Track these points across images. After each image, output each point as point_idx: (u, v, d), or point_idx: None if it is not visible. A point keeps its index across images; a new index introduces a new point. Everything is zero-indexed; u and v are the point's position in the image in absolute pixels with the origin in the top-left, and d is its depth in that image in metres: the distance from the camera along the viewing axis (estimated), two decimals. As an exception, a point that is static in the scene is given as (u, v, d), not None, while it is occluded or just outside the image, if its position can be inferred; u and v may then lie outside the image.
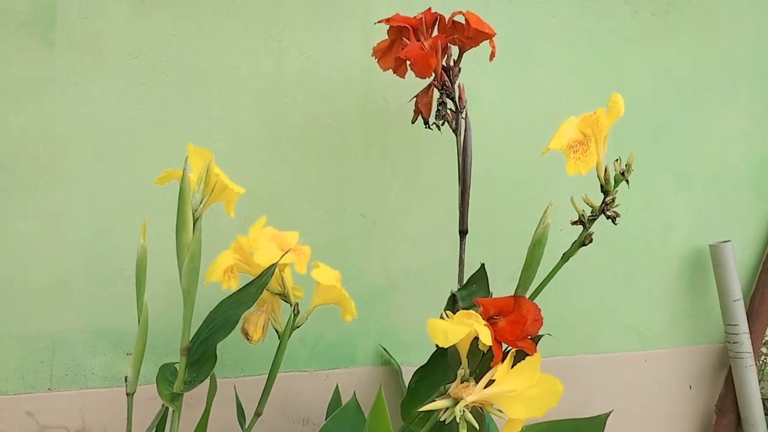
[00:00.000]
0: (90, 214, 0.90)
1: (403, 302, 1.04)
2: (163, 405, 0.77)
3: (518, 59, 1.06)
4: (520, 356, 0.70)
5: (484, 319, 0.71)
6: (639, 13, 1.12)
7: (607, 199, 0.76)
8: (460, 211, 0.87)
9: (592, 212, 0.77)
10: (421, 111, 0.88)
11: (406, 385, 0.91)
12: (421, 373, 0.86)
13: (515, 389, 0.67)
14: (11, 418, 0.90)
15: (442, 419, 0.67)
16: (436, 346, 0.79)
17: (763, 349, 1.21)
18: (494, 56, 0.86)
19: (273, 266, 0.73)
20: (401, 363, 1.02)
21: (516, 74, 1.05)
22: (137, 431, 0.81)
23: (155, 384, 0.75)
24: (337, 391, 0.96)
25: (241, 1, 0.94)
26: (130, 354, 0.92)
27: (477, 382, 0.69)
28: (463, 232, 0.87)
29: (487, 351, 0.71)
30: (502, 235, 1.07)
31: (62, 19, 0.88)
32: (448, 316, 0.71)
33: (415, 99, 0.88)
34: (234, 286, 0.77)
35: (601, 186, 0.76)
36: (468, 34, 0.84)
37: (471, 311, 0.71)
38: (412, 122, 0.89)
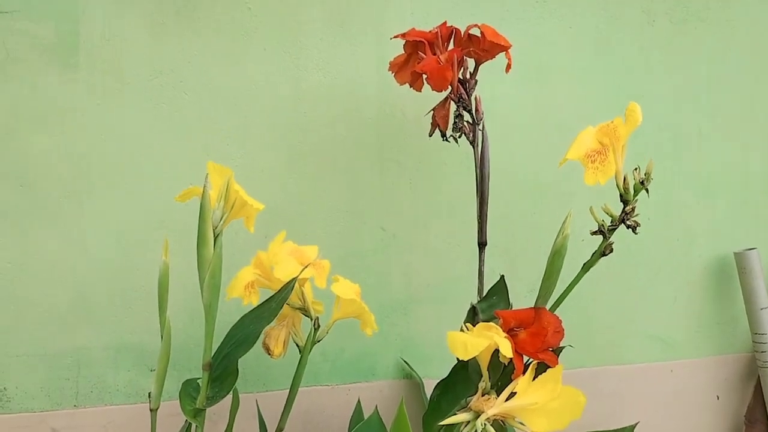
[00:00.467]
0: (112, 233, 0.92)
1: (423, 315, 1.04)
2: (186, 420, 0.78)
3: (535, 70, 1.06)
4: (541, 368, 0.70)
5: (504, 331, 0.71)
6: (656, 21, 1.11)
7: (627, 208, 0.75)
8: (478, 222, 0.87)
9: (612, 222, 0.76)
10: (438, 124, 0.88)
11: (428, 399, 0.91)
12: (443, 386, 0.85)
13: (537, 402, 0.66)
14: (38, 435, 0.91)
15: (463, 432, 0.67)
16: (457, 358, 0.79)
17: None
18: (510, 68, 0.86)
19: (293, 281, 0.73)
20: (423, 376, 1.02)
21: (533, 85, 1.05)
22: (163, 447, 0.82)
23: (178, 400, 0.76)
24: (358, 405, 0.96)
25: (258, 21, 0.95)
26: (154, 370, 0.93)
27: (498, 395, 0.69)
28: (482, 244, 0.87)
29: (508, 363, 0.71)
30: (522, 246, 1.06)
31: (85, 43, 0.90)
32: (468, 329, 0.71)
33: (432, 112, 0.88)
34: (255, 301, 0.78)
35: (621, 195, 0.76)
36: (483, 46, 0.85)
37: (491, 323, 0.71)
38: (430, 135, 0.89)
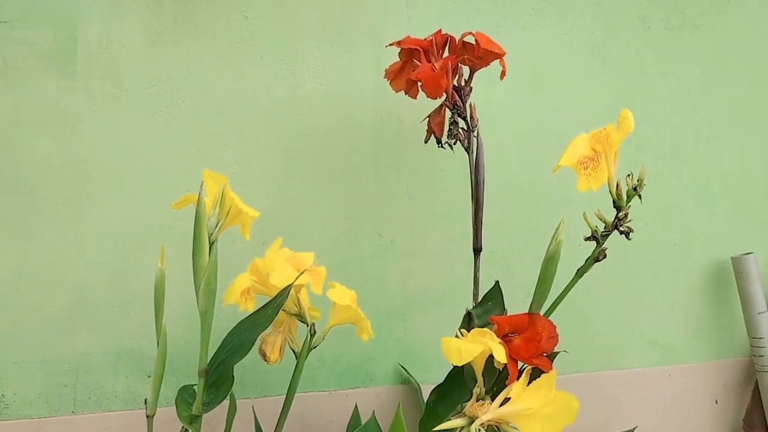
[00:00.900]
0: (111, 239, 0.92)
1: (421, 320, 1.04)
2: (183, 427, 0.78)
3: (530, 77, 1.06)
4: (535, 374, 0.70)
5: (498, 336, 0.71)
6: (652, 27, 1.12)
7: (620, 214, 0.76)
8: (473, 228, 0.87)
9: (605, 228, 0.77)
10: (433, 130, 0.88)
11: (425, 404, 0.91)
12: (439, 391, 0.86)
13: (531, 407, 0.67)
14: (36, 442, 0.92)
15: (458, 438, 0.67)
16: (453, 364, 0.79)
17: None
18: (505, 75, 0.87)
19: (288, 287, 0.74)
20: (421, 381, 1.02)
21: (528, 92, 1.06)
22: (160, 453, 0.82)
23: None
24: (356, 410, 0.96)
25: (255, 28, 0.96)
26: (152, 376, 0.93)
27: (493, 401, 0.69)
28: (477, 250, 0.88)
29: (503, 369, 0.71)
30: (518, 252, 1.07)
31: (82, 50, 0.90)
32: (462, 335, 0.72)
33: (427, 119, 0.89)
34: (251, 307, 0.78)
35: (614, 201, 0.76)
36: (478, 54, 0.85)
37: (485, 329, 0.71)
38: (425, 142, 0.90)
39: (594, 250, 0.78)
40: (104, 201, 0.92)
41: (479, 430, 0.67)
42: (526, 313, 0.75)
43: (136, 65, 0.92)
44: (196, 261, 0.71)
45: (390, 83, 0.88)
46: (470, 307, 0.86)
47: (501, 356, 0.68)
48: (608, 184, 0.75)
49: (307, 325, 0.81)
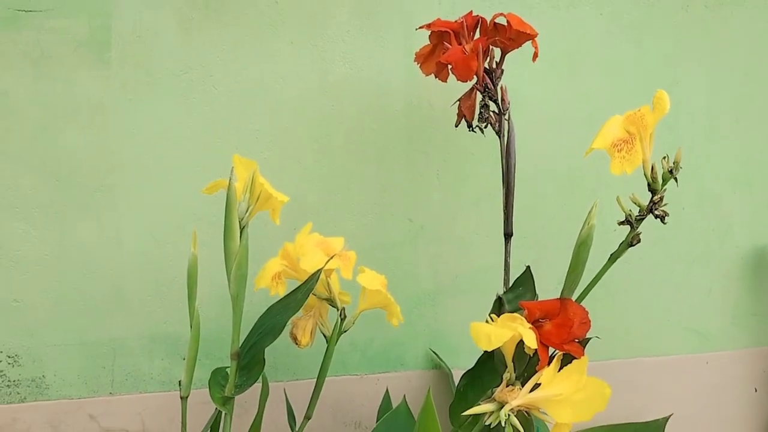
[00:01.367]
0: (145, 225, 0.94)
1: (452, 306, 1.04)
2: (216, 408, 0.80)
3: (564, 59, 1.04)
4: (567, 360, 0.69)
5: (529, 322, 0.70)
6: (691, 6, 1.09)
7: (655, 198, 0.74)
8: (504, 213, 0.87)
9: (639, 212, 0.75)
10: (464, 114, 0.88)
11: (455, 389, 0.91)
12: (469, 376, 0.86)
13: (561, 393, 0.66)
14: (75, 422, 0.94)
15: (487, 423, 0.67)
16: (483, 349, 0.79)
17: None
18: (537, 57, 0.85)
19: (318, 272, 0.74)
20: (452, 366, 1.02)
21: (561, 74, 1.04)
22: (194, 433, 0.83)
23: (208, 388, 0.78)
24: (387, 394, 0.96)
25: (286, 14, 0.96)
26: (186, 359, 0.95)
27: (523, 386, 0.69)
28: (508, 235, 0.87)
29: (534, 354, 0.71)
30: (551, 237, 1.05)
31: (116, 39, 0.91)
32: (492, 320, 0.71)
33: (458, 102, 0.88)
34: (282, 291, 0.79)
35: (648, 185, 0.74)
36: (509, 35, 0.84)
37: (515, 314, 0.70)
38: (456, 126, 0.89)
39: (628, 235, 0.76)
40: (138, 187, 0.93)
41: (509, 415, 0.66)
42: (557, 299, 0.74)
43: (169, 53, 0.93)
44: (227, 246, 0.72)
45: (420, 66, 0.87)
46: (501, 292, 0.86)
47: (531, 341, 0.67)
48: (643, 167, 0.74)
49: (338, 310, 0.81)
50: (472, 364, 0.89)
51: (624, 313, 1.10)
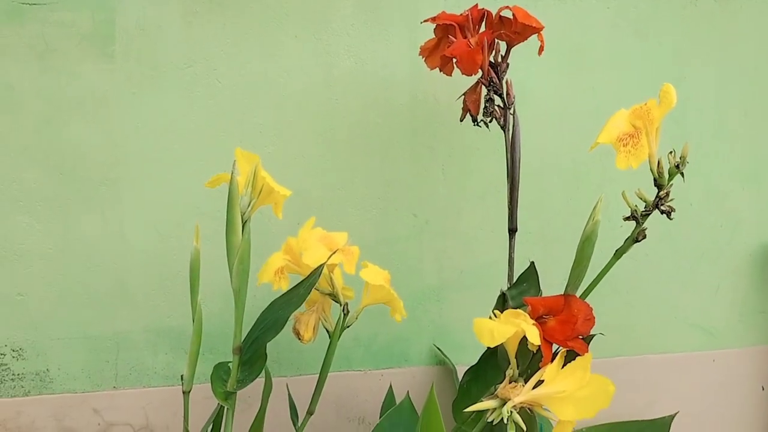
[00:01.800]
0: (149, 219, 0.94)
1: (457, 301, 1.03)
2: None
3: (570, 53, 1.03)
4: (571, 356, 0.69)
5: (532, 318, 0.70)
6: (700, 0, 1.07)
7: (661, 193, 0.73)
8: (509, 208, 0.86)
9: (645, 207, 0.74)
10: (469, 108, 0.87)
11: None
12: (472, 372, 0.85)
13: (565, 390, 0.65)
14: (79, 416, 0.94)
15: (489, 420, 0.67)
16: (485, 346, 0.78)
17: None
18: (543, 50, 0.85)
19: (321, 267, 0.74)
20: (456, 363, 1.02)
21: (567, 68, 1.03)
22: (199, 428, 0.83)
23: (210, 383, 0.78)
24: (391, 390, 0.96)
25: (290, 7, 0.95)
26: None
27: (527, 383, 0.68)
28: (512, 230, 0.86)
29: (537, 351, 0.70)
30: (557, 233, 1.05)
31: (120, 32, 0.91)
32: (496, 316, 0.71)
33: (463, 96, 0.87)
34: (285, 286, 0.79)
35: (655, 180, 0.74)
36: (515, 29, 0.83)
37: (519, 310, 0.70)
38: (461, 120, 0.88)
39: (633, 231, 0.76)
40: (142, 181, 0.93)
41: (511, 411, 0.66)
42: (561, 295, 0.73)
43: (173, 46, 0.93)
44: (229, 240, 0.71)
45: (425, 60, 0.87)
46: (505, 288, 0.85)
47: (534, 338, 0.67)
48: (649, 161, 0.73)
49: (341, 305, 0.81)
50: (477, 360, 0.88)
51: (629, 310, 1.10)
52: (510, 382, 0.68)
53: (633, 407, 1.08)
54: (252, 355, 0.75)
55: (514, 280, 0.86)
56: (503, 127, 0.86)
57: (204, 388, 0.89)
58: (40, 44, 0.89)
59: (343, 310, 0.81)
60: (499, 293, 0.85)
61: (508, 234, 0.88)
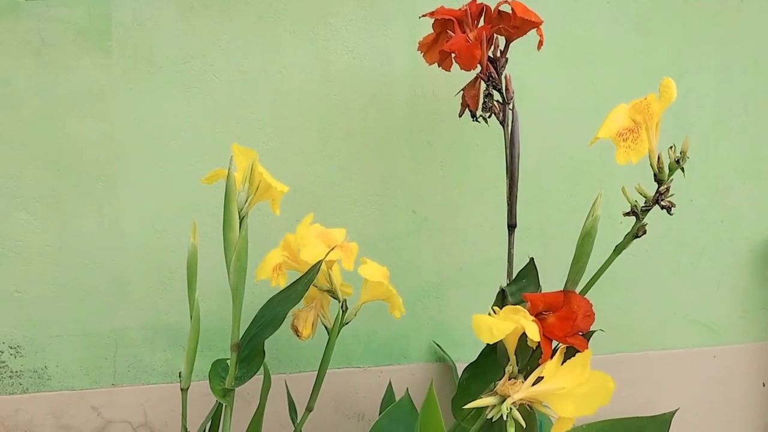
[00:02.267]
0: (146, 215, 0.93)
1: (456, 298, 1.03)
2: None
3: (569, 47, 1.03)
4: (570, 353, 0.68)
5: (532, 314, 0.69)
6: (700, -6, 1.07)
7: (661, 188, 0.73)
8: (508, 204, 0.85)
9: (645, 203, 0.74)
10: (468, 104, 0.86)
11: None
12: (472, 369, 0.85)
13: (564, 386, 0.65)
14: (77, 413, 0.94)
15: (489, 416, 0.66)
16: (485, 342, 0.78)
17: None
18: (542, 45, 0.84)
19: (319, 263, 0.73)
20: (455, 359, 1.01)
21: (567, 63, 1.03)
22: (198, 426, 0.83)
23: (209, 380, 0.77)
24: (390, 387, 0.96)
25: (288, 2, 0.95)
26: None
27: (526, 379, 0.68)
28: (511, 226, 0.86)
29: (537, 347, 0.70)
30: (555, 229, 1.04)
31: (117, 27, 0.91)
32: (495, 312, 0.70)
33: (462, 92, 0.87)
34: (283, 283, 0.78)
35: (655, 175, 0.73)
36: (514, 23, 0.83)
37: (518, 306, 0.69)
38: (460, 115, 0.88)
39: (633, 226, 0.75)
40: (139, 177, 0.93)
41: (510, 408, 0.65)
42: (561, 291, 0.73)
43: (170, 42, 0.92)
44: (227, 236, 0.71)
45: (423, 55, 0.86)
46: (504, 284, 0.85)
47: (534, 334, 0.66)
48: (649, 156, 0.72)
49: (339, 302, 0.81)
50: (476, 357, 0.88)
51: (630, 306, 1.09)
52: (509, 379, 0.68)
53: (633, 404, 1.08)
54: (250, 352, 0.75)
55: (514, 277, 0.85)
56: (502, 123, 0.85)
57: (202, 385, 0.89)
58: (36, 39, 0.89)
59: (342, 307, 0.80)
60: (498, 290, 0.85)
61: (507, 230, 0.88)
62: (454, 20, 0.83)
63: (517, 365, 0.70)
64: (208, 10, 0.93)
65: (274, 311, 0.74)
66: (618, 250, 0.76)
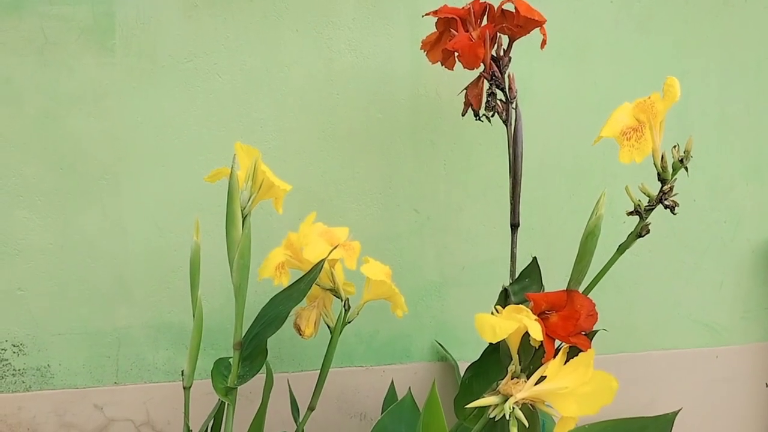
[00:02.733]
0: (149, 213, 0.93)
1: (458, 298, 1.03)
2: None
3: (572, 46, 1.03)
4: (573, 352, 0.68)
5: (535, 314, 0.69)
6: (703, -7, 1.07)
7: (665, 187, 0.72)
8: (511, 203, 0.85)
9: (648, 202, 0.74)
10: (471, 103, 0.86)
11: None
12: (474, 368, 0.85)
13: (567, 386, 0.65)
14: (80, 411, 0.94)
15: (491, 416, 0.66)
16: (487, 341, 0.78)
17: None
18: (545, 44, 0.84)
19: (321, 262, 0.73)
20: (458, 359, 1.01)
21: (570, 62, 1.02)
22: (200, 424, 0.83)
23: (211, 378, 0.77)
24: (392, 386, 0.96)
25: (290, 1, 0.95)
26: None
27: (529, 379, 0.68)
28: (514, 226, 0.86)
29: (539, 347, 0.70)
30: (558, 228, 1.04)
31: (120, 26, 0.91)
32: (498, 311, 0.70)
33: (465, 91, 0.87)
34: (285, 282, 0.78)
35: (658, 174, 0.73)
36: (517, 22, 0.82)
37: (521, 306, 0.69)
38: (462, 114, 0.88)
39: (637, 226, 0.75)
40: (142, 176, 0.93)
41: (513, 408, 0.65)
42: (564, 290, 0.73)
43: (173, 40, 0.92)
44: (230, 235, 0.71)
45: (426, 54, 0.86)
46: (507, 284, 0.84)
47: (536, 333, 0.66)
48: (653, 155, 0.72)
49: (342, 300, 0.81)
50: (479, 356, 0.88)
51: (632, 306, 1.09)
52: (512, 378, 0.68)
53: (636, 404, 1.08)
54: (253, 350, 0.75)
55: (517, 276, 0.85)
56: (505, 122, 0.85)
57: (205, 383, 0.89)
58: (39, 38, 0.89)
59: (344, 306, 0.80)
60: (501, 289, 0.85)
61: (510, 229, 0.88)
62: (457, 19, 0.83)
63: (520, 364, 0.70)
64: (212, 8, 0.93)
65: (277, 310, 0.74)
66: (621, 249, 0.76)
